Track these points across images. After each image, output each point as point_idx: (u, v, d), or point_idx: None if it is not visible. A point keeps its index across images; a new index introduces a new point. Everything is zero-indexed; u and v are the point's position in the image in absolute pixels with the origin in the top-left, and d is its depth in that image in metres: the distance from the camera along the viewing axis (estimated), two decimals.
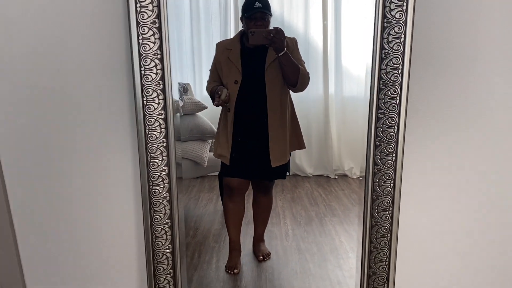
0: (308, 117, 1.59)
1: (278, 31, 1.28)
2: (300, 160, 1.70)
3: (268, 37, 1.27)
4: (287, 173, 1.54)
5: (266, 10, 1.32)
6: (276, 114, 1.39)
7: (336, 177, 1.71)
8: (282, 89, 1.38)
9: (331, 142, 1.66)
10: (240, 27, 1.39)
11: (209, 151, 1.61)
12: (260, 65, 1.36)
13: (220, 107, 1.40)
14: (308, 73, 1.37)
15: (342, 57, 1.57)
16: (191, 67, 1.59)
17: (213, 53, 1.41)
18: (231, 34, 1.53)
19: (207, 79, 1.44)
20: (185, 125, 1.56)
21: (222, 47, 1.40)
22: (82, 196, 1.19)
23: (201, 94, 1.58)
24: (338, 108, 1.63)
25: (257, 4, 1.31)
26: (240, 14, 1.36)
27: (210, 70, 1.42)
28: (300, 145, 1.49)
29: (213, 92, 1.39)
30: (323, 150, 1.68)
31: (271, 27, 1.32)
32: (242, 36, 1.38)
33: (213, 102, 1.39)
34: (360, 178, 1.12)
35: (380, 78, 1.01)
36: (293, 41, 1.37)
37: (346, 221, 1.63)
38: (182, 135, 1.53)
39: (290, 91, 1.40)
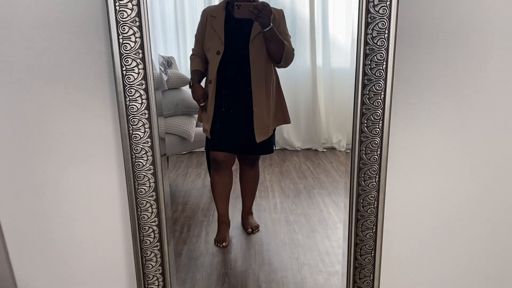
0: (295, 90, 1.57)
1: (265, 6, 1.24)
2: (288, 134, 1.69)
3: (255, 11, 1.24)
4: (274, 147, 1.53)
5: None
6: (261, 88, 1.36)
7: (325, 150, 1.70)
8: (267, 62, 1.35)
9: (319, 115, 1.64)
10: None
11: (196, 126, 1.58)
12: (245, 36, 1.32)
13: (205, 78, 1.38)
14: (293, 49, 1.34)
15: (330, 27, 1.54)
16: (175, 40, 1.54)
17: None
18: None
19: (192, 48, 1.40)
20: (170, 99, 1.52)
21: (206, 14, 1.36)
22: (64, 171, 1.17)
23: (186, 67, 1.53)
24: (326, 80, 1.61)
25: None
26: None
27: (195, 37, 1.38)
28: (286, 119, 1.47)
29: (192, 74, 1.40)
30: (311, 123, 1.67)
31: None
32: (228, 4, 1.33)
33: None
34: (348, 151, 1.11)
35: (366, 43, 0.99)
36: (280, 13, 1.32)
37: (334, 193, 1.63)
38: (167, 110, 1.50)
39: None
